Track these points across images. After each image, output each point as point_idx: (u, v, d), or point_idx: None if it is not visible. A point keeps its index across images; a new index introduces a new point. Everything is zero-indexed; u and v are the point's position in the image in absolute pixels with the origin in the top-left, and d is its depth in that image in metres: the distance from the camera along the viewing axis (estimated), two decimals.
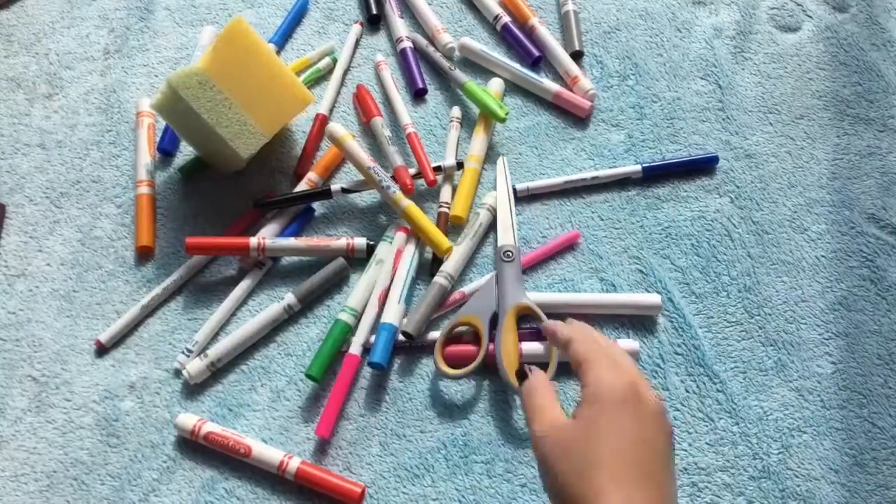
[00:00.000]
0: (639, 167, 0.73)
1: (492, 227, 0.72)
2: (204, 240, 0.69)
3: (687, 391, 0.65)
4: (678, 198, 0.73)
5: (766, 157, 0.75)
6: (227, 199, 0.74)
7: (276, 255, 0.70)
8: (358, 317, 0.67)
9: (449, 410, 0.64)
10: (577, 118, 0.77)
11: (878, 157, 0.75)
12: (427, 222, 0.69)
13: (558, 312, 0.66)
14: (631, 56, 0.81)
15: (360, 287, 0.67)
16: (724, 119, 0.77)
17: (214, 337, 0.68)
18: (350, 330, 0.66)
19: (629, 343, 0.65)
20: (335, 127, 0.72)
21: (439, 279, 0.67)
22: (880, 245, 0.71)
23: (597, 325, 0.67)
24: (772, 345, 0.67)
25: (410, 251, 0.69)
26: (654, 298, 0.67)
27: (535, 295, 0.67)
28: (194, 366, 0.65)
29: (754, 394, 0.64)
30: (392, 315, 0.66)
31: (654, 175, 0.74)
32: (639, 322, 0.67)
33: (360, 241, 0.69)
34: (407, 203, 0.69)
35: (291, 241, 0.69)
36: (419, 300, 0.67)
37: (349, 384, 0.64)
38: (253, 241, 0.68)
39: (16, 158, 0.77)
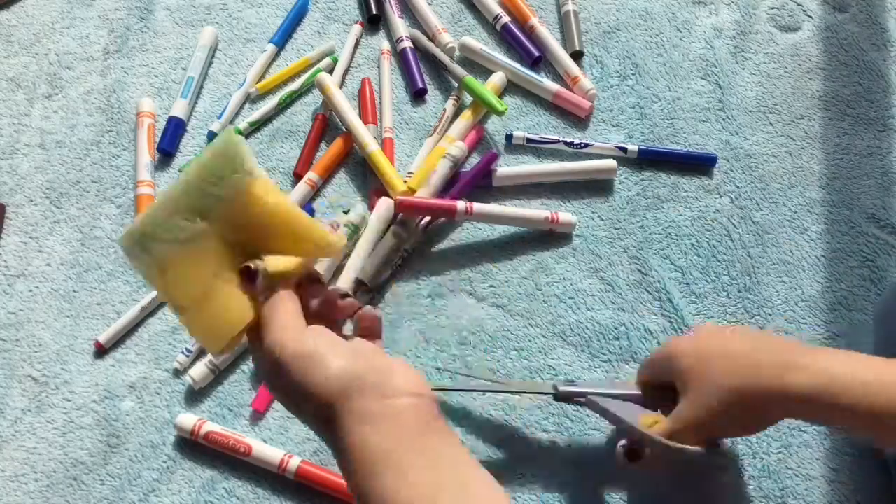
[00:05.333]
0: (636, 147, 0.74)
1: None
2: (415, 200, 0.69)
3: None
4: (678, 198, 0.73)
5: (766, 157, 0.75)
6: None
7: (482, 220, 0.71)
8: None
9: (449, 413, 0.64)
10: (577, 118, 0.77)
11: (878, 157, 0.75)
12: (387, 167, 0.72)
13: (525, 183, 0.74)
14: (631, 56, 0.81)
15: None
16: (724, 119, 0.77)
17: None
18: None
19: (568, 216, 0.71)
20: (323, 76, 0.76)
21: (396, 229, 0.70)
22: (880, 245, 0.71)
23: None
24: None
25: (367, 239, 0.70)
26: (609, 163, 0.73)
27: (506, 169, 0.73)
28: (197, 371, 0.65)
29: None
30: None
31: (650, 161, 0.74)
32: (638, 320, 0.68)
33: (566, 216, 0.71)
34: (374, 148, 0.73)
35: (496, 208, 0.71)
36: (375, 251, 0.69)
37: None
38: (460, 205, 0.69)
39: (16, 158, 0.77)
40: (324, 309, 0.43)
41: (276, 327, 0.39)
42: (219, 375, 0.66)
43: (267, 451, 0.62)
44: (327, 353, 0.38)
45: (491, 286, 0.70)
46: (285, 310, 0.39)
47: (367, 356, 0.39)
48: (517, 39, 0.81)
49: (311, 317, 0.41)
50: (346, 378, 0.37)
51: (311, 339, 0.38)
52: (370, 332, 0.44)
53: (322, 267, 0.69)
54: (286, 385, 0.38)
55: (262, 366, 0.40)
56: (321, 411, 0.37)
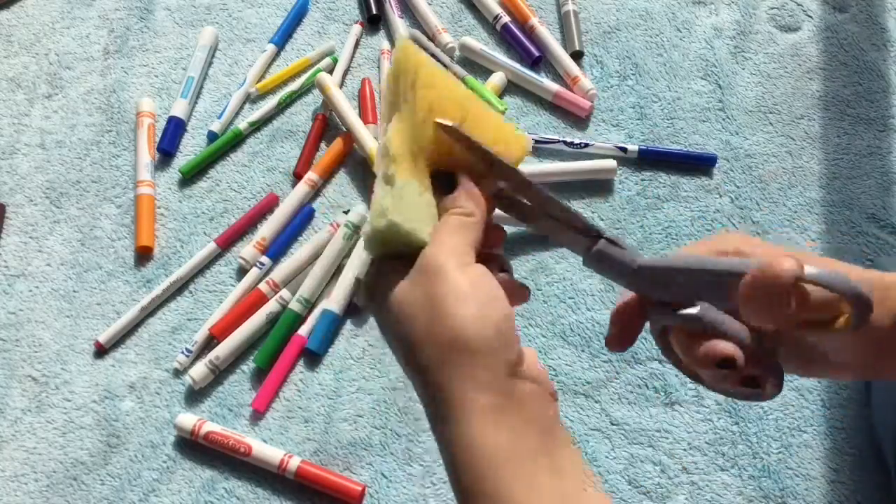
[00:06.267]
0: (636, 147, 0.74)
1: None
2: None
3: (686, 392, 0.65)
4: (678, 198, 0.73)
5: (766, 157, 0.75)
6: (228, 199, 0.74)
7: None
8: (309, 306, 0.68)
9: None
10: (577, 118, 0.77)
11: (878, 157, 0.75)
12: None
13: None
14: (631, 56, 0.81)
15: (315, 276, 0.68)
16: (724, 119, 0.77)
17: (214, 337, 0.68)
18: (299, 319, 0.68)
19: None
20: (323, 76, 0.76)
21: None
22: (880, 245, 0.71)
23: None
24: None
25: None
26: (609, 163, 0.73)
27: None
28: (198, 370, 0.65)
29: None
30: (335, 302, 0.67)
31: (650, 161, 0.74)
32: None
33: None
34: (374, 148, 0.73)
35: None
36: None
37: (290, 363, 0.67)
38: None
39: (16, 158, 0.77)
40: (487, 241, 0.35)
41: (446, 242, 0.32)
42: (219, 375, 0.66)
43: (267, 451, 0.62)
44: (493, 295, 0.31)
45: None
46: (465, 232, 0.32)
47: (513, 324, 0.32)
48: (517, 39, 0.81)
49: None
50: (493, 331, 0.30)
51: (483, 273, 0.32)
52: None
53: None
54: (422, 300, 0.31)
55: (401, 276, 0.32)
56: (441, 354, 0.30)
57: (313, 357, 0.67)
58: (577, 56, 0.80)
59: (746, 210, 0.72)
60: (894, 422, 0.59)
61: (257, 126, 0.78)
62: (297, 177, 0.75)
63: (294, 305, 0.67)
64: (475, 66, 0.80)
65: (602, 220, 0.72)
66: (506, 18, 0.82)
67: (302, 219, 0.73)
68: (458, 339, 0.30)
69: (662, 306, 0.34)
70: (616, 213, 0.73)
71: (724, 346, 0.32)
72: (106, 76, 0.81)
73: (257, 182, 0.75)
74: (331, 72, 0.80)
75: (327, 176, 0.75)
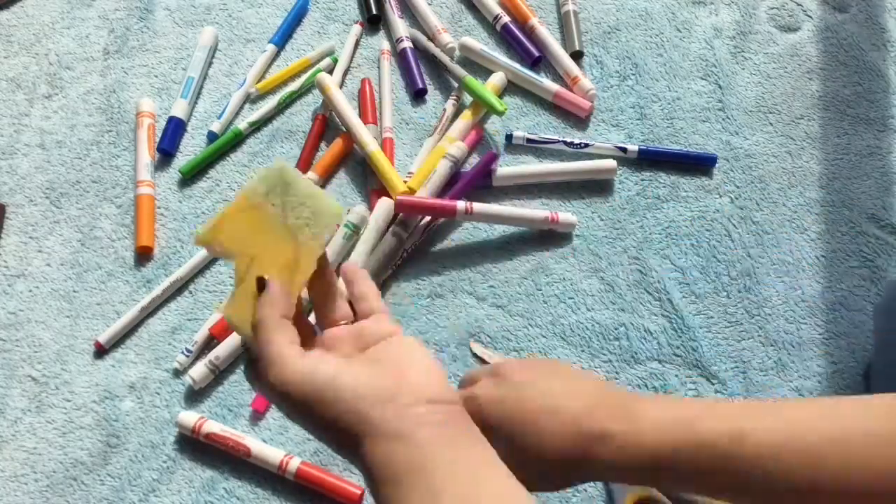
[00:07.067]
0: (636, 147, 0.74)
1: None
2: (415, 200, 0.69)
3: (686, 392, 0.65)
4: (678, 198, 0.73)
5: (766, 157, 0.75)
6: (228, 199, 0.74)
7: (482, 220, 0.71)
8: (310, 306, 0.68)
9: None
10: (577, 118, 0.77)
11: (878, 157, 0.75)
12: (387, 166, 0.72)
13: (525, 183, 0.74)
14: (631, 56, 0.81)
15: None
16: (724, 119, 0.77)
17: (214, 337, 0.68)
18: None
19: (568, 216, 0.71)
20: (323, 76, 0.76)
21: (396, 229, 0.70)
22: (880, 245, 0.71)
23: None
24: (772, 345, 0.67)
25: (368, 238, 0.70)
26: (609, 163, 0.73)
27: (506, 169, 0.73)
28: (198, 370, 0.65)
29: (754, 394, 0.64)
30: None
31: (650, 161, 0.74)
32: (638, 320, 0.67)
33: (566, 216, 0.71)
34: (374, 148, 0.73)
35: (496, 208, 0.71)
36: (375, 251, 0.69)
37: None
38: (460, 205, 0.69)
39: (16, 158, 0.77)
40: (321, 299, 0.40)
41: (274, 361, 0.35)
42: (219, 375, 0.66)
43: (267, 451, 0.62)
44: (332, 386, 0.34)
45: (491, 286, 0.70)
46: (278, 341, 0.35)
47: (373, 368, 0.35)
48: (517, 39, 0.81)
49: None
50: (359, 407, 0.34)
51: (312, 375, 0.34)
52: (363, 297, 0.40)
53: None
54: (299, 418, 0.36)
55: (270, 398, 0.36)
56: (343, 442, 0.34)
57: None
58: (577, 56, 0.80)
59: (746, 210, 0.72)
60: None
61: (257, 126, 0.78)
62: None
63: None
64: (475, 66, 0.80)
65: (602, 220, 0.72)
66: (506, 18, 0.82)
67: None
68: (340, 436, 0.34)
69: None
70: (616, 213, 0.73)
71: None
72: (106, 76, 0.81)
73: None
74: (331, 72, 0.80)
75: (327, 176, 0.75)
